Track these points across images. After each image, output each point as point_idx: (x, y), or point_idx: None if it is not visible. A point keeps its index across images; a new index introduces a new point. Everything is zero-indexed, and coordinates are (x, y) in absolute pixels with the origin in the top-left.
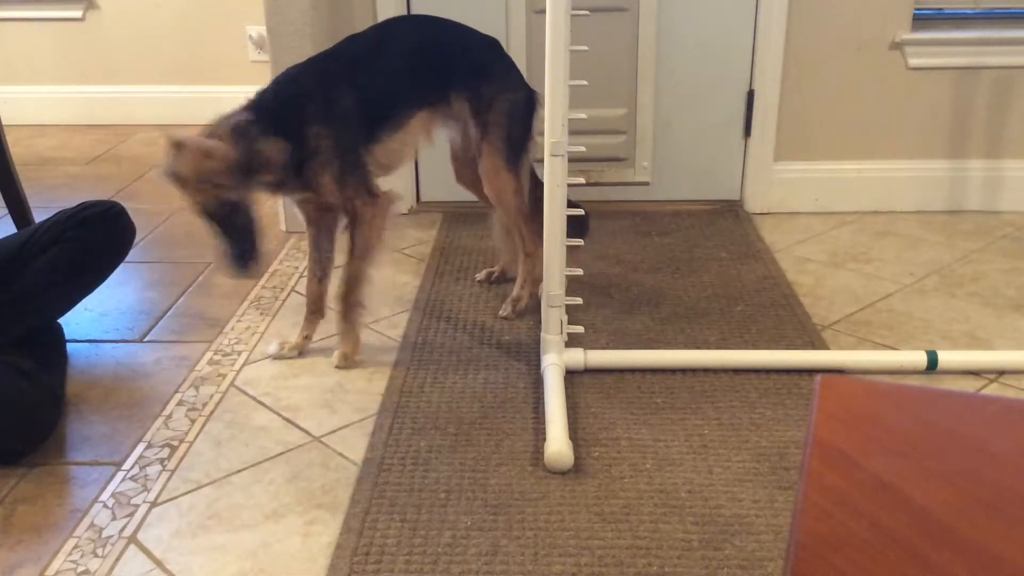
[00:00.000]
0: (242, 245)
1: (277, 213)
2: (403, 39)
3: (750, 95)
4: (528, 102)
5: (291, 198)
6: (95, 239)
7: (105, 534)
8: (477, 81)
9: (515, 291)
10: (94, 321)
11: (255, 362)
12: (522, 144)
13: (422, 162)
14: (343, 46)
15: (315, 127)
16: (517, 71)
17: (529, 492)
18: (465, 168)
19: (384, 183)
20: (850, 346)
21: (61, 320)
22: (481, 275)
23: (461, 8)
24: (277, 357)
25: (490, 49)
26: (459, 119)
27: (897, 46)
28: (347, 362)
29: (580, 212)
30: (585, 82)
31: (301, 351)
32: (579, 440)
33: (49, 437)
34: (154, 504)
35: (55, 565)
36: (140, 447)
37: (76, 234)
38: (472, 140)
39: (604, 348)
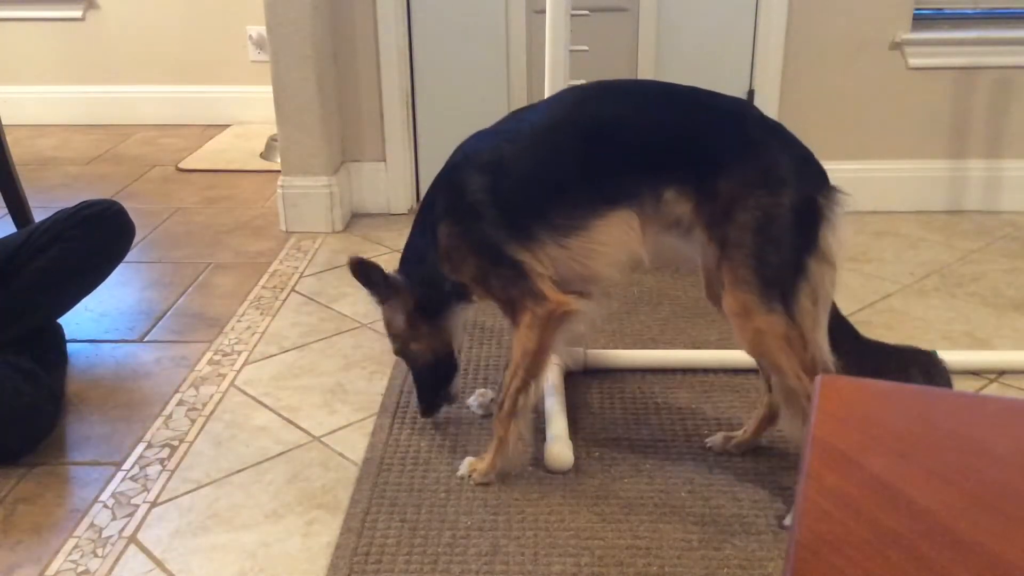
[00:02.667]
0: (429, 389)
1: (277, 213)
2: (583, 111)
3: (750, 95)
4: (802, 208)
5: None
6: (94, 239)
7: (105, 534)
8: (704, 171)
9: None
10: (94, 321)
11: (255, 362)
12: (789, 271)
13: (422, 162)
14: (508, 121)
15: (444, 223)
16: (783, 158)
17: (529, 492)
18: (717, 284)
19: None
20: None
21: (61, 320)
22: (717, 440)
23: (461, 8)
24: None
25: (731, 122)
26: (681, 225)
27: (897, 46)
28: (473, 476)
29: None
30: (585, 82)
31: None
32: (579, 440)
33: (48, 437)
34: (154, 504)
35: (55, 565)
36: (140, 447)
37: (75, 234)
38: (709, 258)
39: (604, 348)
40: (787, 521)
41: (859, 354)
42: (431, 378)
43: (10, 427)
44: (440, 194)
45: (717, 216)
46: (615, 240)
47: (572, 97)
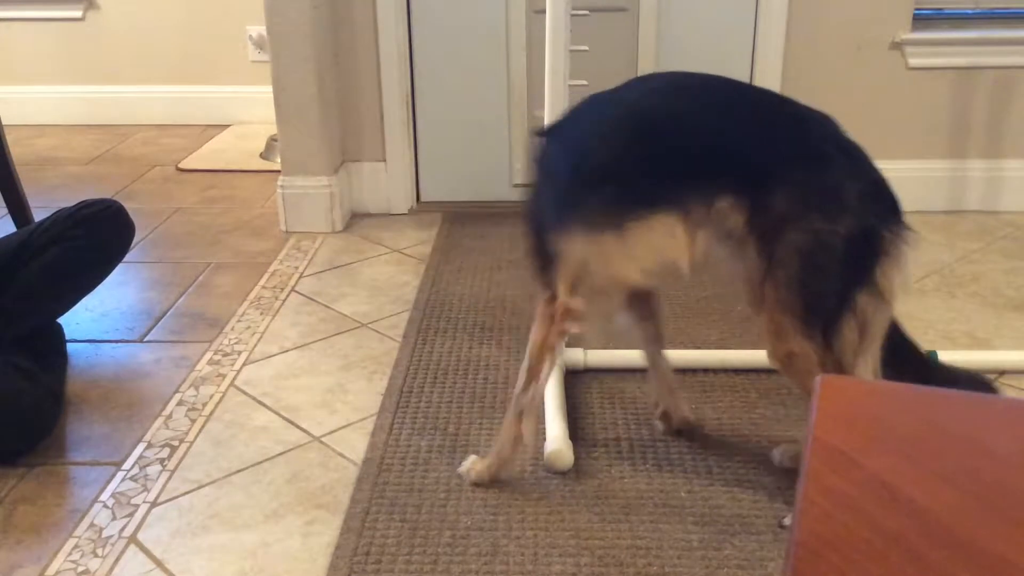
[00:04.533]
0: None
1: (277, 213)
2: (648, 104)
3: None
4: (860, 240)
5: None
6: (94, 238)
7: (105, 534)
8: (763, 182)
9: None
10: (94, 321)
11: (255, 362)
12: (834, 301)
13: (422, 162)
14: (582, 106)
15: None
16: (850, 184)
17: (529, 492)
18: (759, 299)
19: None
20: None
21: (61, 320)
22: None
23: (462, 8)
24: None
25: (801, 134)
26: (732, 238)
27: (897, 46)
28: (470, 476)
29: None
30: (585, 82)
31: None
32: (579, 440)
33: (49, 436)
34: (154, 504)
35: (55, 565)
36: (140, 447)
37: (75, 233)
38: (754, 272)
39: (604, 348)
40: (787, 521)
41: (924, 380)
42: None
43: (11, 427)
44: (537, 154)
45: (769, 232)
46: (651, 245)
47: (637, 89)
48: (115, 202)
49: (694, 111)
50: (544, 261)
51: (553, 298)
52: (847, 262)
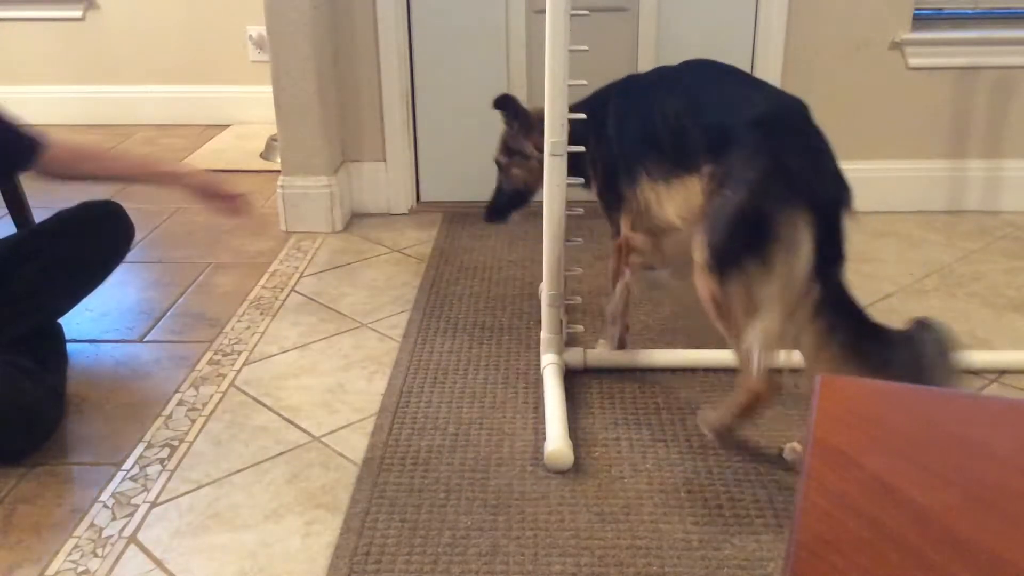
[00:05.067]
0: (503, 206)
1: (277, 213)
2: (682, 87)
3: None
4: (749, 214)
5: None
6: (94, 239)
7: (105, 534)
8: (721, 154)
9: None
10: (94, 321)
11: (255, 362)
12: (725, 256)
13: (422, 162)
14: (629, 82)
15: (592, 136)
16: (768, 163)
17: (529, 492)
18: None
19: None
20: None
21: (61, 320)
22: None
23: (462, 8)
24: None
25: (754, 121)
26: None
27: (897, 46)
28: (598, 349)
29: None
30: (585, 82)
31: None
32: (579, 440)
33: (52, 436)
34: (154, 504)
35: (55, 565)
36: (140, 447)
37: (76, 234)
38: None
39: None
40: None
41: (860, 342)
42: (510, 199)
43: (14, 427)
44: (594, 116)
45: (711, 191)
46: (683, 198)
47: (680, 71)
48: (115, 203)
49: (703, 98)
50: (613, 203)
51: (618, 233)
52: (737, 229)
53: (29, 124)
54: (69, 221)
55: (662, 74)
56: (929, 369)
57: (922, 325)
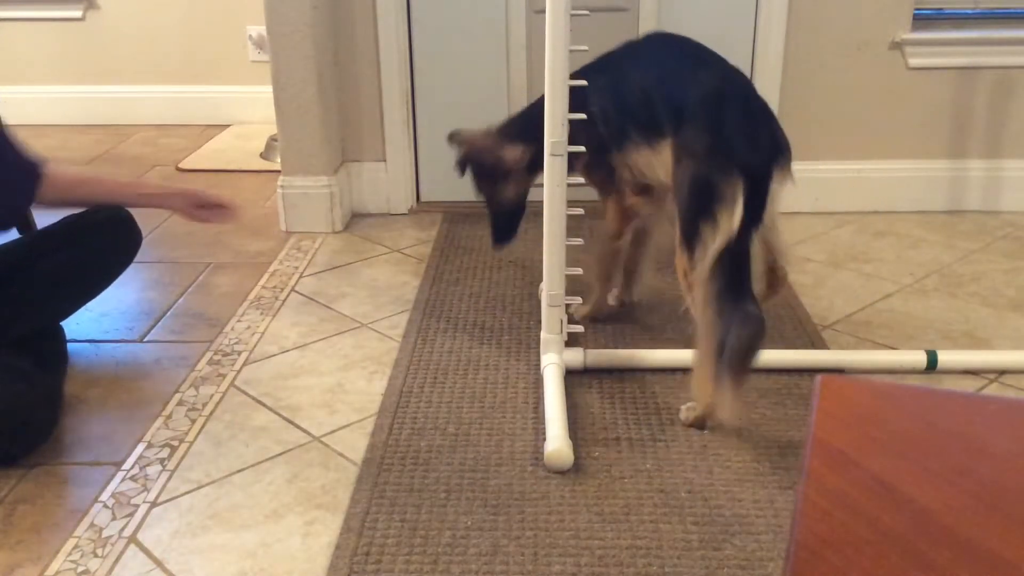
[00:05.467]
0: (506, 225)
1: (277, 213)
2: (651, 61)
3: None
4: (701, 181)
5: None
6: (101, 245)
7: (105, 534)
8: (676, 129)
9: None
10: (94, 321)
11: (255, 362)
12: (693, 221)
13: (422, 162)
14: (609, 59)
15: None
16: (716, 139)
17: (529, 492)
18: None
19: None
20: (850, 346)
21: (62, 321)
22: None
23: (462, 8)
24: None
25: (705, 98)
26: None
27: (897, 46)
28: (577, 315)
29: None
30: (584, 82)
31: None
32: (579, 440)
33: (46, 442)
34: (154, 504)
35: (55, 565)
36: (140, 447)
37: (82, 239)
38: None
39: (604, 348)
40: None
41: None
42: (510, 217)
43: (7, 431)
44: (574, 98)
45: (674, 164)
46: (662, 159)
47: (647, 46)
48: (123, 209)
49: (662, 74)
50: (604, 174)
51: (619, 197)
52: (696, 197)
53: (25, 150)
54: (76, 226)
55: (630, 48)
56: (729, 354)
57: (747, 317)
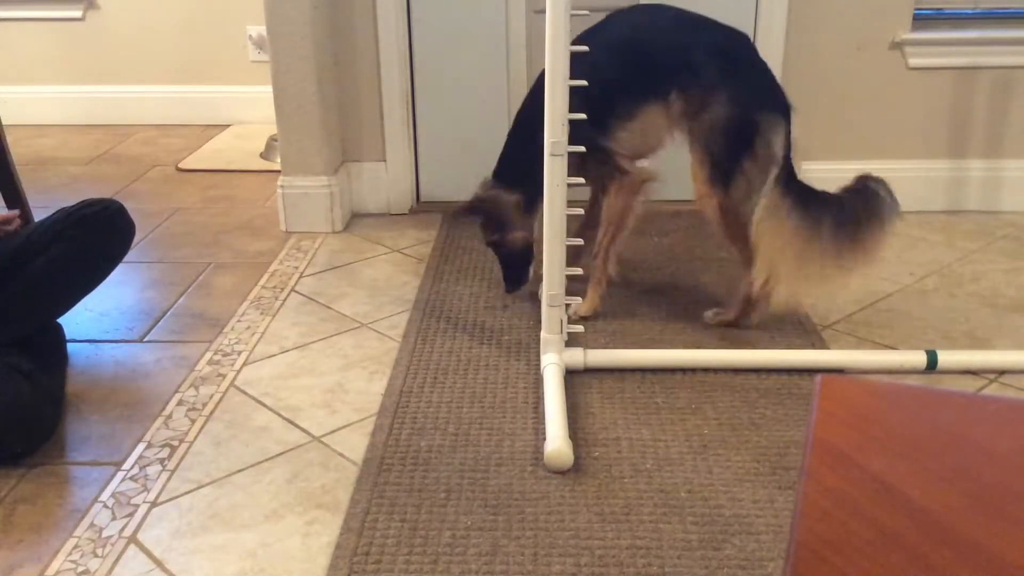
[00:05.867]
0: (518, 270)
1: (277, 213)
2: (621, 33)
3: None
4: (740, 122)
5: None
6: (94, 238)
7: (105, 534)
8: (687, 81)
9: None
10: (94, 321)
11: (255, 362)
12: (727, 164)
13: (422, 162)
14: (578, 39)
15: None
16: (741, 84)
17: (529, 492)
18: None
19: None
20: (850, 346)
21: (61, 320)
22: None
23: (462, 8)
24: None
25: (711, 50)
26: (680, 117)
27: (897, 46)
28: (575, 316)
29: None
30: (585, 82)
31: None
32: (579, 440)
33: (49, 440)
34: (154, 504)
35: (55, 565)
36: (140, 447)
37: (75, 233)
38: (687, 142)
39: (604, 348)
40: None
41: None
42: (522, 260)
43: (12, 431)
44: (540, 111)
45: (691, 112)
46: (655, 122)
47: (614, 21)
48: (115, 202)
49: (654, 35)
50: (600, 159)
51: (624, 175)
52: (733, 137)
53: None
54: (69, 220)
55: (613, 18)
56: (879, 207)
57: (867, 177)
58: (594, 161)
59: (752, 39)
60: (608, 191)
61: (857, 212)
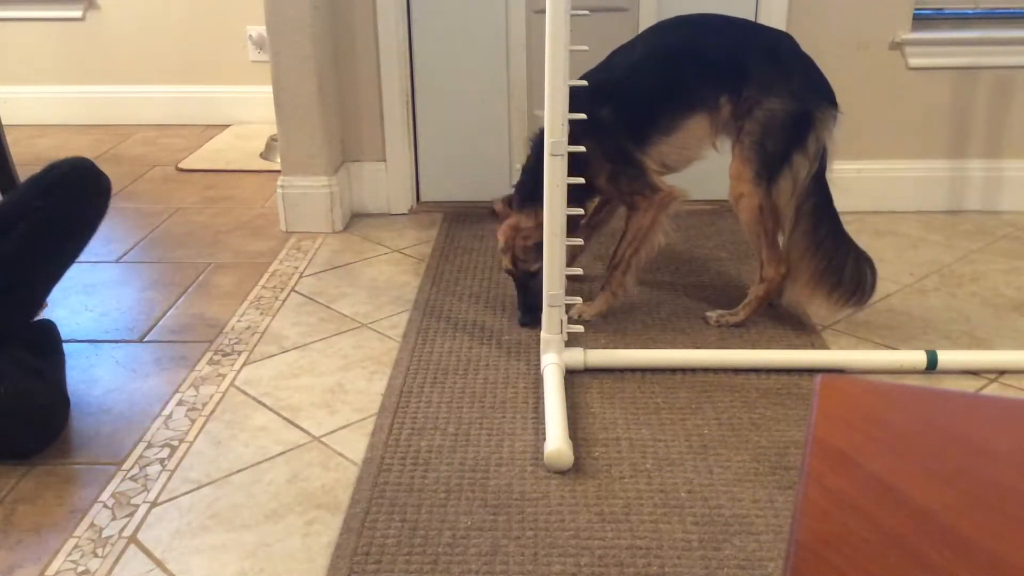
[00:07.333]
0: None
1: (277, 213)
2: (664, 43)
3: None
4: (797, 115)
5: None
6: (68, 197)
7: (105, 534)
8: (739, 84)
9: (738, 307)
10: (94, 321)
11: (255, 362)
12: (777, 160)
13: (422, 162)
14: (613, 59)
15: (583, 141)
16: (796, 79)
17: (529, 492)
18: None
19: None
20: (850, 346)
21: (59, 319)
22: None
23: (462, 8)
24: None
25: (761, 50)
26: (728, 123)
27: (897, 46)
28: (579, 318)
29: None
30: (585, 82)
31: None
32: (579, 440)
33: (60, 436)
34: (154, 504)
35: (55, 565)
36: (140, 447)
37: (43, 204)
38: (733, 138)
39: (604, 348)
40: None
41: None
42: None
43: (27, 427)
44: (582, 110)
45: (740, 115)
46: (697, 133)
47: (656, 32)
48: (83, 158)
49: (697, 42)
50: (633, 175)
51: (656, 192)
52: (788, 131)
53: None
54: (34, 190)
55: (655, 30)
56: (866, 289)
57: (866, 259)
58: (626, 177)
59: None
60: (637, 207)
61: (845, 271)
